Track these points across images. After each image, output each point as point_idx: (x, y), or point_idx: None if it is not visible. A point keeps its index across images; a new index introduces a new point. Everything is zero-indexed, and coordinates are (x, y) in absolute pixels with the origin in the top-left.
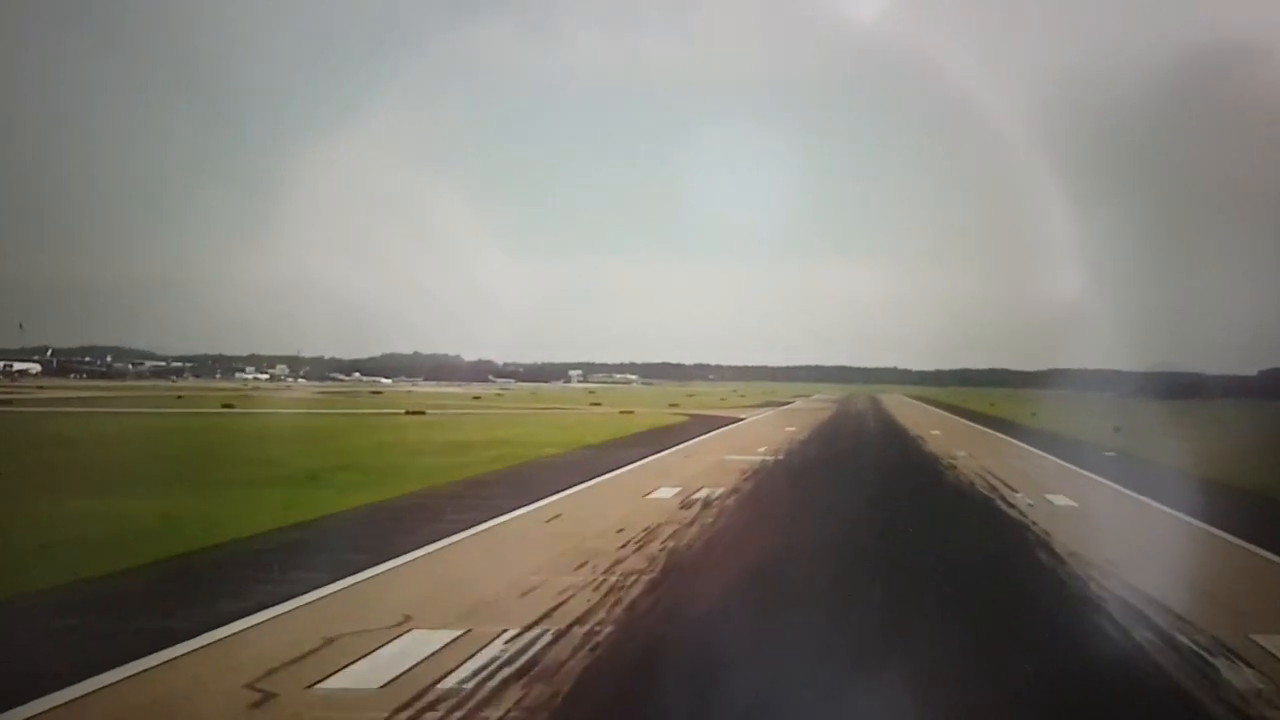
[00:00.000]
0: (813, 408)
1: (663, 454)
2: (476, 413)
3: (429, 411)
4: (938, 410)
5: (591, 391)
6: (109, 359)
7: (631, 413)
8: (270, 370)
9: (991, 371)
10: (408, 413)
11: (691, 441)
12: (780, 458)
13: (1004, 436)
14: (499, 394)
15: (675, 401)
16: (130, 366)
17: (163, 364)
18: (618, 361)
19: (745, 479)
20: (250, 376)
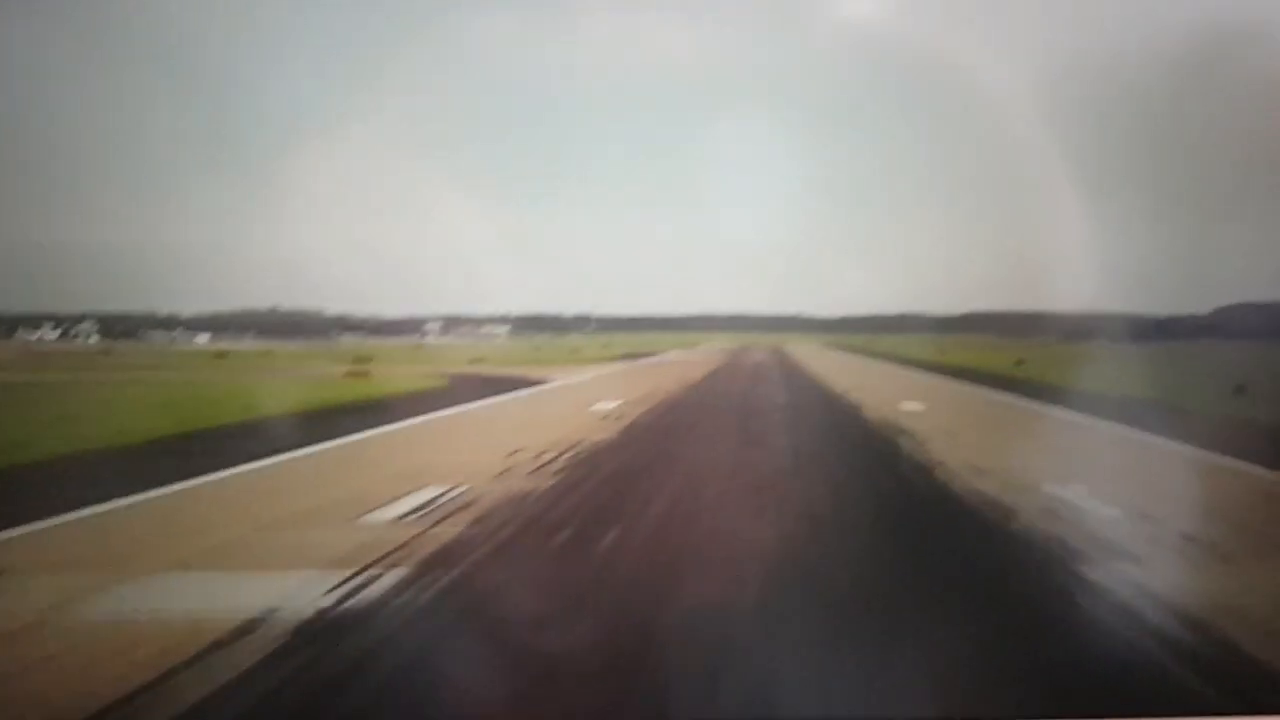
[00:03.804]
0: (690, 360)
1: None
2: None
3: None
4: (886, 365)
5: (418, 346)
6: None
7: (366, 374)
8: (73, 328)
9: (903, 317)
10: None
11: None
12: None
13: (1108, 426)
14: (263, 352)
15: (483, 356)
16: None
17: None
18: (488, 314)
19: None
20: (34, 337)
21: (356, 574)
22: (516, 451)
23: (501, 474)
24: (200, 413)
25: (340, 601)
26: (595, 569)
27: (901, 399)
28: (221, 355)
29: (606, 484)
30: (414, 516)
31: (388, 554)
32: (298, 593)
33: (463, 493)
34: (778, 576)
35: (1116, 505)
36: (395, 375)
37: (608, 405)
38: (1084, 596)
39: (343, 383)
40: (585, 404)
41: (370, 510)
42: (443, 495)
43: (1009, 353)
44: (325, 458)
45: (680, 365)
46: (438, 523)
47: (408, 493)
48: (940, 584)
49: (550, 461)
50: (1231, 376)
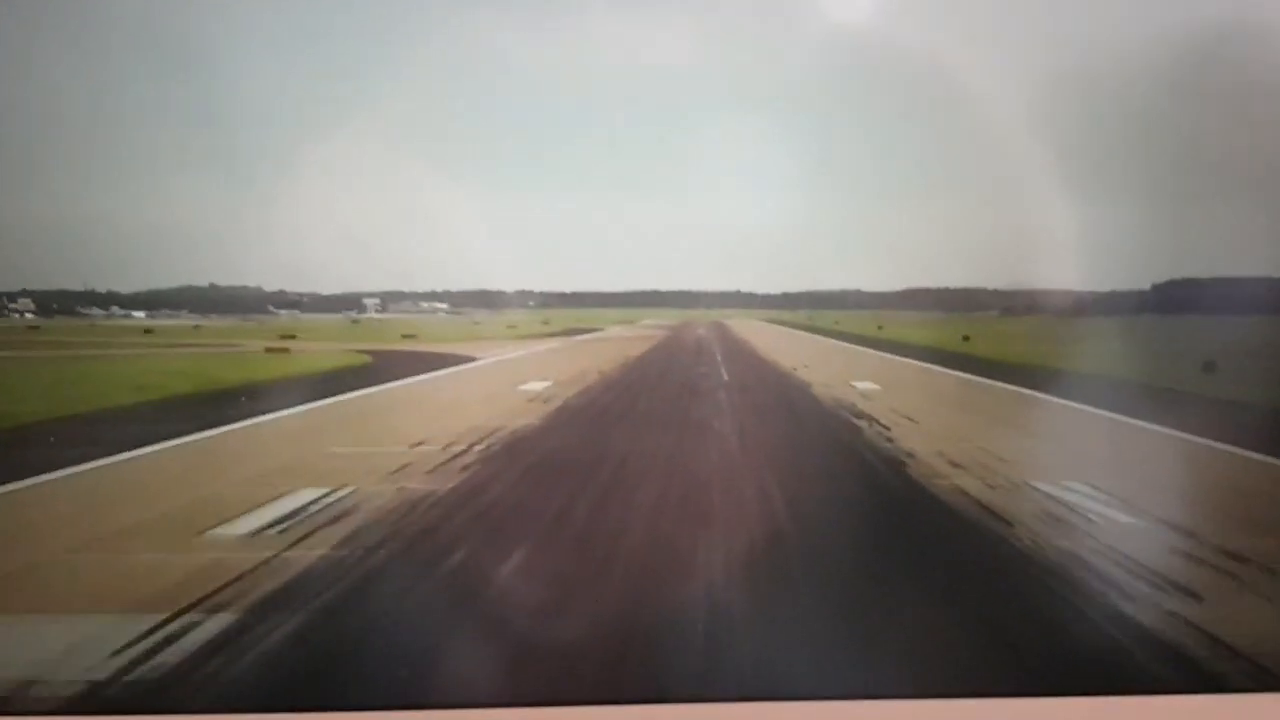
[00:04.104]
0: (630, 336)
1: None
2: None
3: None
4: (831, 341)
5: (354, 322)
6: None
7: (286, 351)
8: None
9: (844, 293)
10: None
11: None
12: None
13: None
14: (191, 327)
15: (415, 332)
16: None
17: None
18: (429, 290)
19: None
20: None
21: (168, 620)
22: (422, 442)
23: (397, 471)
24: (85, 394)
25: (128, 669)
26: (486, 611)
27: (853, 378)
28: (148, 331)
29: (521, 486)
30: (273, 531)
31: (219, 589)
32: (82, 650)
33: (343, 497)
34: (726, 620)
35: (1130, 510)
36: (317, 353)
37: (537, 386)
38: (1130, 647)
39: (259, 360)
40: (512, 384)
41: (222, 523)
42: (318, 501)
43: (954, 328)
44: (197, 450)
45: (619, 341)
46: (298, 541)
47: (276, 498)
48: (931, 617)
49: (459, 455)
50: (1194, 353)
